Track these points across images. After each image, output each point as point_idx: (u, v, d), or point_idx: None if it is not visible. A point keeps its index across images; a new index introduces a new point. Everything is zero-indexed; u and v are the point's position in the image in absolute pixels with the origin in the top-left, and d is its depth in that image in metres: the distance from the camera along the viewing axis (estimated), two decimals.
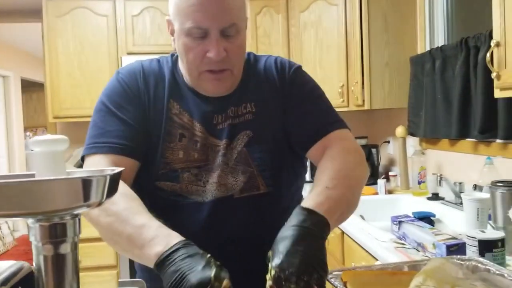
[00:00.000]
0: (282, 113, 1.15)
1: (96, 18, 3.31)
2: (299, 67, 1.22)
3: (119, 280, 0.73)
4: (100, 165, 1.03)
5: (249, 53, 1.22)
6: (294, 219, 0.87)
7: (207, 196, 1.11)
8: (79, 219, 0.68)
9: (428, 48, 2.72)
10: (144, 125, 1.11)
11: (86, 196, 0.62)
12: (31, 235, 0.66)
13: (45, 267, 0.66)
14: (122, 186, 0.96)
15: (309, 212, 0.88)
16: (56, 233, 0.65)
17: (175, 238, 0.86)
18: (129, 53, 3.32)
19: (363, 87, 2.87)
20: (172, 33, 1.11)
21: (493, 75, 1.56)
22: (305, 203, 0.91)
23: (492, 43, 1.55)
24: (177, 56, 1.17)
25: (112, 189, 0.66)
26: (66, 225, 0.65)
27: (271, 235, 1.13)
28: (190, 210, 1.11)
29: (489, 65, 1.57)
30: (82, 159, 1.11)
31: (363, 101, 2.88)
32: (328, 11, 3.17)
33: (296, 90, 1.16)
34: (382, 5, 2.84)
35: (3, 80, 6.39)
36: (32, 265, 0.68)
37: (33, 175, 0.66)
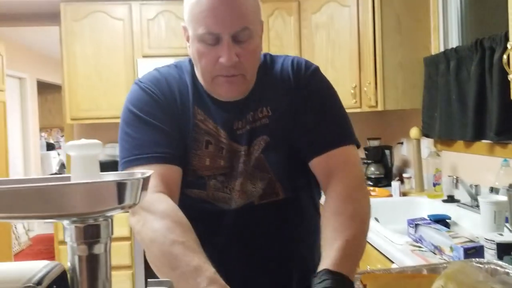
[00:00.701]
0: (295, 116, 1.13)
1: (113, 21, 3.36)
2: (316, 69, 1.18)
3: (148, 280, 0.74)
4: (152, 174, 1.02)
5: (265, 54, 1.20)
6: (324, 282, 0.87)
7: (232, 204, 1.11)
8: (112, 221, 0.71)
9: (442, 49, 2.72)
10: (178, 131, 1.10)
11: (121, 199, 0.64)
12: (67, 236, 0.68)
13: (79, 267, 0.68)
14: (178, 214, 0.97)
15: (335, 275, 0.88)
16: (90, 234, 0.68)
17: None
18: (144, 56, 3.36)
19: (376, 88, 2.87)
20: (187, 39, 1.11)
21: (510, 76, 1.56)
22: (327, 260, 0.91)
23: (509, 45, 1.55)
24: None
25: (145, 192, 0.68)
26: (100, 226, 0.68)
27: (292, 241, 1.14)
28: (216, 217, 1.12)
29: (506, 67, 1.57)
30: None
31: (376, 102, 2.88)
32: (340, 12, 3.18)
33: (309, 94, 1.13)
34: (395, 5, 2.84)
35: (19, 82, 6.48)
36: None
37: (69, 178, 0.69)
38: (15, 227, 5.64)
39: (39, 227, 6.98)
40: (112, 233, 0.71)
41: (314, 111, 1.12)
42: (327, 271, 0.88)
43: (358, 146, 1.13)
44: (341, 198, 1.02)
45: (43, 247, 6.00)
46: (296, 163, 1.13)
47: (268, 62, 1.19)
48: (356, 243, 0.96)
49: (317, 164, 1.09)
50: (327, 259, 0.91)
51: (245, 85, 1.10)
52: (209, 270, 0.87)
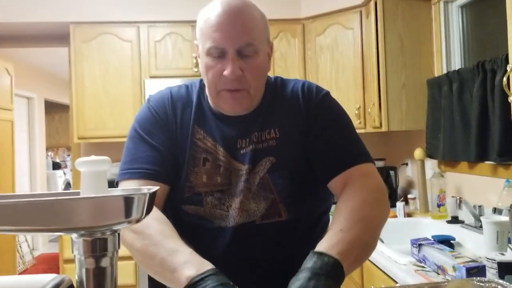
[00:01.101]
0: (305, 139, 1.14)
1: (121, 43, 3.42)
2: (327, 93, 1.20)
3: None
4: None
5: (276, 77, 1.23)
6: (307, 263, 0.87)
7: (230, 221, 1.12)
8: (118, 235, 0.73)
9: (444, 71, 2.75)
10: (173, 150, 1.15)
11: (128, 213, 0.67)
12: (75, 249, 0.70)
13: (86, 280, 0.70)
14: (154, 211, 1.00)
15: (320, 254, 0.88)
16: (97, 247, 0.70)
17: (207, 265, 0.88)
18: (151, 77, 3.41)
19: (380, 109, 2.90)
20: (199, 56, 1.15)
21: (510, 98, 1.59)
22: (318, 247, 0.91)
23: (509, 68, 1.58)
24: None
25: (150, 207, 0.70)
26: (107, 240, 0.70)
27: (292, 262, 1.14)
28: (213, 234, 1.13)
29: (506, 89, 1.60)
30: (117, 183, 1.14)
31: (380, 123, 2.91)
32: (344, 34, 3.23)
33: (321, 117, 1.14)
34: (398, 28, 2.89)
35: (27, 102, 6.56)
36: None
37: (78, 193, 0.71)
38: (20, 246, 5.65)
39: (44, 246, 6.98)
40: (119, 247, 0.73)
41: (327, 134, 1.13)
42: (312, 252, 0.89)
43: (374, 164, 1.14)
44: (352, 198, 1.03)
45: (48, 266, 5.99)
46: (301, 185, 1.14)
47: (279, 84, 1.21)
48: (352, 234, 0.94)
49: (336, 183, 1.10)
50: (319, 245, 0.92)
51: (249, 101, 1.12)
52: (186, 250, 0.93)
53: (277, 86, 1.21)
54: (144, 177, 1.10)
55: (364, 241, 0.97)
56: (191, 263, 0.89)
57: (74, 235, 0.69)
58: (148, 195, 0.70)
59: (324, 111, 1.16)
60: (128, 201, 0.67)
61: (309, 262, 0.87)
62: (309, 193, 1.15)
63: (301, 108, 1.16)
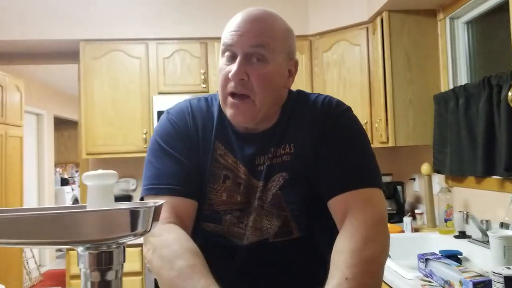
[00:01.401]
0: (317, 153, 1.10)
1: (130, 60, 3.47)
2: (347, 109, 1.15)
3: None
4: (164, 208, 0.98)
5: (299, 91, 1.20)
6: None
7: (244, 240, 1.11)
8: (124, 248, 0.74)
9: (451, 86, 2.76)
10: (196, 162, 1.11)
11: (133, 227, 0.68)
12: (80, 262, 0.71)
13: None
14: (189, 241, 0.99)
15: None
16: (103, 261, 0.71)
17: None
18: (160, 93, 3.45)
19: (387, 124, 2.91)
20: None
21: None
22: None
23: None
24: None
25: (156, 220, 0.71)
26: (113, 253, 0.71)
27: (304, 279, 1.09)
28: (228, 252, 1.11)
29: (511, 104, 1.60)
30: (141, 199, 1.10)
31: (387, 138, 2.92)
32: (351, 50, 3.26)
33: (336, 133, 1.10)
34: (404, 44, 2.91)
35: (37, 118, 6.64)
36: None
37: (84, 207, 0.73)
38: (27, 262, 5.66)
39: (51, 262, 6.99)
40: (124, 260, 0.74)
41: (338, 149, 1.08)
42: None
43: (384, 191, 1.08)
44: (352, 235, 0.96)
45: (55, 283, 5.99)
46: (314, 203, 1.09)
47: (300, 98, 1.17)
48: (359, 284, 0.89)
49: (335, 203, 1.05)
50: None
51: (253, 112, 1.07)
52: None
53: (298, 100, 1.17)
54: (172, 193, 1.06)
55: (370, 286, 0.93)
56: None
57: (80, 248, 0.70)
58: (153, 208, 0.71)
59: (340, 126, 1.11)
60: (134, 214, 0.68)
61: None
62: (322, 210, 1.09)
63: (319, 122, 1.11)
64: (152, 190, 1.08)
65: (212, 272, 0.93)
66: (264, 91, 1.06)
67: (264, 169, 1.10)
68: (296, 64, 1.14)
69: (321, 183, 1.08)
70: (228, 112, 1.09)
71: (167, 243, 0.97)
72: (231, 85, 1.05)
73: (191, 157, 1.11)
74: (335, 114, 1.12)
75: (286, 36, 1.10)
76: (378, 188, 1.06)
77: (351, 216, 1.00)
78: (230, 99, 1.07)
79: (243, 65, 1.04)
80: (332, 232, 1.12)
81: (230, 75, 1.04)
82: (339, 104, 1.15)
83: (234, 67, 1.03)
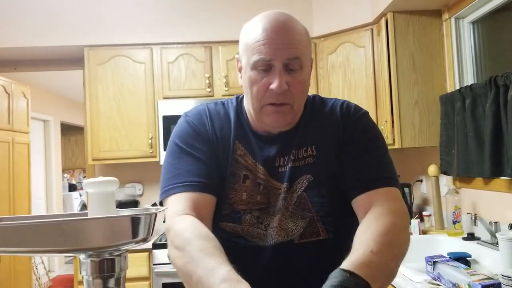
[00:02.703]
0: (340, 156, 1.13)
1: (134, 65, 3.48)
2: (365, 113, 1.19)
3: None
4: (180, 203, 1.05)
5: (315, 96, 1.23)
6: (334, 279, 0.83)
7: (268, 241, 1.11)
8: (126, 255, 0.73)
9: (457, 87, 2.74)
10: (216, 162, 1.13)
11: (135, 233, 0.67)
12: (83, 270, 0.71)
13: None
14: (200, 227, 0.98)
15: (351, 274, 0.83)
16: (105, 268, 0.70)
17: (243, 285, 0.82)
18: (165, 98, 3.45)
19: (393, 126, 2.89)
20: (239, 70, 1.15)
21: None
22: (347, 264, 0.87)
23: None
24: (242, 98, 1.21)
25: (153, 227, 0.71)
26: (115, 260, 0.71)
27: None
28: (251, 254, 1.11)
29: None
30: (161, 203, 1.12)
31: (394, 139, 2.90)
32: (356, 52, 3.24)
33: (356, 136, 1.13)
34: (409, 45, 2.89)
35: (44, 124, 6.67)
36: None
37: (86, 214, 0.72)
38: (36, 268, 5.67)
39: (60, 268, 7.01)
40: (126, 267, 0.73)
41: (360, 151, 1.12)
42: (341, 269, 0.85)
43: (400, 190, 1.11)
44: (379, 219, 0.99)
45: None
46: (339, 204, 1.12)
47: (317, 102, 1.21)
48: (382, 259, 0.90)
49: (359, 202, 1.08)
50: (348, 262, 0.88)
51: (292, 116, 1.11)
52: (224, 269, 0.84)
53: (315, 104, 1.21)
54: (191, 189, 1.07)
55: (391, 269, 0.94)
56: (227, 283, 0.82)
57: (82, 256, 0.70)
58: (154, 215, 0.71)
59: (359, 130, 1.15)
60: (135, 221, 0.68)
61: (337, 280, 0.82)
62: (347, 210, 1.11)
63: (339, 126, 1.15)
64: (172, 190, 1.08)
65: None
66: (301, 96, 1.11)
67: (287, 171, 1.12)
68: (312, 63, 1.17)
69: (345, 183, 1.11)
70: (267, 119, 1.11)
71: (178, 232, 0.97)
72: (270, 97, 1.07)
73: (211, 156, 1.13)
74: (354, 118, 1.16)
75: (309, 39, 1.13)
76: (398, 188, 1.10)
77: (377, 207, 1.03)
78: (269, 108, 1.09)
79: (284, 76, 1.06)
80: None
81: (273, 87, 1.05)
82: (358, 108, 1.19)
83: (275, 80, 1.05)
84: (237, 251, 1.04)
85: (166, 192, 1.09)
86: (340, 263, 0.98)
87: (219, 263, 0.87)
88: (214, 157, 1.13)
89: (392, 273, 0.96)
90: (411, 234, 2.77)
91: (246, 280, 0.85)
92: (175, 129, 1.19)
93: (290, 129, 1.15)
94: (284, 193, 1.11)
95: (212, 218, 1.09)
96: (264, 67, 1.06)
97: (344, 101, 1.20)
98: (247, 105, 1.15)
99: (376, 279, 0.86)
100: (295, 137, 1.15)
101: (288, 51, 1.05)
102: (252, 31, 1.08)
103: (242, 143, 1.15)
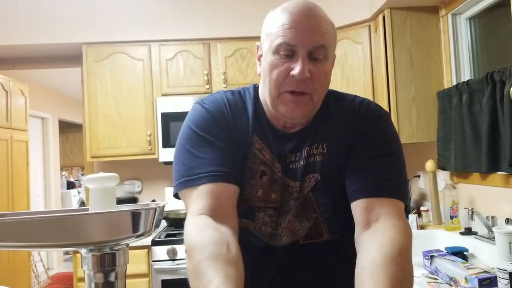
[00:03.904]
0: (348, 156, 1.06)
1: (133, 62, 3.49)
2: (385, 115, 1.11)
3: None
4: (203, 196, 0.98)
5: (334, 91, 1.16)
6: None
7: (278, 241, 1.09)
8: (127, 250, 0.74)
9: (454, 83, 2.75)
10: (236, 150, 1.07)
11: (135, 228, 0.68)
12: (84, 264, 0.72)
13: None
14: (215, 229, 0.91)
15: None
16: (106, 262, 0.71)
17: None
18: (163, 95, 3.46)
19: None
20: (259, 58, 1.09)
21: None
22: None
23: None
24: (258, 87, 1.14)
25: (158, 222, 0.72)
26: (116, 255, 0.72)
27: (337, 282, 1.07)
28: (262, 254, 1.09)
29: None
30: (176, 196, 1.05)
31: None
32: (353, 49, 3.25)
33: (368, 138, 1.06)
34: (407, 41, 2.90)
35: (42, 122, 6.67)
36: None
37: (87, 210, 0.73)
38: (35, 266, 5.68)
39: (59, 266, 7.02)
40: (127, 262, 0.74)
41: (371, 153, 1.04)
42: None
43: (406, 207, 1.03)
44: (389, 260, 0.86)
45: (63, 286, 6.02)
46: (346, 206, 1.05)
47: (335, 98, 1.14)
48: None
49: (358, 207, 1.00)
50: None
51: (310, 107, 1.04)
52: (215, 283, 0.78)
53: (332, 100, 1.13)
54: (210, 180, 0.99)
55: None
56: None
57: (83, 251, 0.71)
58: (155, 209, 0.72)
59: (375, 130, 1.07)
60: (135, 216, 0.69)
61: None
62: (352, 214, 1.04)
63: (354, 125, 1.08)
64: (192, 181, 1.00)
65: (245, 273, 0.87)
66: (322, 88, 1.04)
67: (298, 169, 1.07)
68: (335, 58, 1.10)
69: (348, 183, 1.05)
70: (283, 108, 1.03)
71: (189, 237, 0.92)
72: (290, 84, 1.00)
73: (232, 145, 1.06)
74: (372, 117, 1.09)
75: (335, 32, 1.07)
76: (402, 202, 1.01)
77: (376, 231, 0.94)
78: (287, 96, 1.02)
79: (307, 63, 0.99)
80: None
81: (295, 73, 0.98)
82: (377, 108, 1.12)
83: (298, 66, 0.98)
84: (249, 251, 1.00)
85: (188, 183, 1.00)
86: (344, 264, 0.98)
87: (215, 277, 0.81)
88: (235, 148, 1.06)
89: None
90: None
91: (258, 280, 0.85)
92: (191, 116, 1.10)
93: (306, 126, 1.10)
94: (296, 192, 1.07)
95: (236, 210, 1.02)
96: (287, 52, 1.00)
97: (365, 99, 1.13)
98: (263, 93, 1.08)
99: None
100: (309, 133, 1.09)
101: (314, 38, 0.99)
102: (278, 16, 1.02)
103: (260, 137, 1.09)
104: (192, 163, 1.02)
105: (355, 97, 1.14)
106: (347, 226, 1.05)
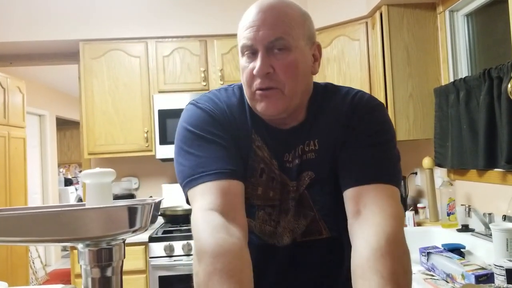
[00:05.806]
0: (341, 149, 1.04)
1: (130, 59, 3.48)
2: (378, 105, 1.08)
3: None
4: (211, 192, 0.95)
5: (327, 84, 1.14)
6: None
7: (277, 239, 1.09)
8: (123, 245, 0.74)
9: (451, 79, 2.76)
10: (238, 152, 1.05)
11: (132, 223, 0.69)
12: (81, 259, 0.72)
13: None
14: (228, 235, 0.88)
15: None
16: (103, 257, 0.72)
17: None
18: (160, 92, 3.46)
19: None
20: None
21: None
22: None
23: None
24: None
25: (154, 217, 0.72)
26: (112, 250, 0.72)
27: (337, 279, 1.07)
28: (262, 253, 1.09)
29: (511, 96, 1.59)
30: (187, 199, 1.02)
31: None
32: (350, 46, 3.25)
33: (360, 128, 1.04)
34: (404, 38, 2.90)
35: (39, 119, 6.65)
36: None
37: (84, 205, 0.73)
38: (33, 262, 5.68)
39: (57, 262, 7.02)
40: (124, 256, 0.74)
41: (360, 145, 1.02)
42: None
43: (399, 189, 1.01)
44: (376, 252, 0.85)
45: (60, 282, 6.02)
46: (343, 202, 1.01)
47: (328, 92, 1.12)
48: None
49: (348, 195, 0.99)
50: None
51: (283, 102, 1.01)
52: None
53: (326, 93, 1.11)
54: (217, 178, 0.96)
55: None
56: None
57: (80, 246, 0.71)
58: (152, 204, 0.72)
59: (366, 120, 1.04)
60: (131, 211, 0.69)
61: None
62: None
63: (347, 118, 1.06)
64: (200, 179, 0.97)
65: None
66: (291, 80, 1.01)
67: (294, 167, 1.07)
68: (319, 47, 1.09)
69: (340, 176, 1.03)
70: (259, 106, 1.03)
71: (200, 236, 0.89)
72: (257, 82, 1.00)
73: (233, 144, 1.04)
74: (365, 107, 1.06)
75: (303, 20, 1.04)
76: (395, 186, 0.99)
77: (366, 224, 0.92)
78: (258, 94, 1.01)
79: (266, 59, 0.99)
80: None
81: (254, 71, 0.99)
82: (371, 99, 1.09)
83: (257, 63, 0.99)
84: (250, 250, 0.96)
85: (194, 182, 0.98)
86: (344, 261, 0.98)
87: None
88: (236, 146, 1.05)
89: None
90: (406, 226, 2.79)
91: (260, 279, 0.84)
92: (186, 118, 1.07)
93: (300, 122, 1.08)
94: (294, 191, 1.07)
95: (244, 205, 0.99)
96: (250, 52, 1.01)
97: (359, 91, 1.10)
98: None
99: None
100: (303, 131, 1.07)
101: (268, 33, 0.99)
102: (241, 20, 1.04)
103: (258, 134, 1.07)
104: (196, 162, 1.00)
105: (349, 89, 1.11)
106: (345, 222, 1.01)
